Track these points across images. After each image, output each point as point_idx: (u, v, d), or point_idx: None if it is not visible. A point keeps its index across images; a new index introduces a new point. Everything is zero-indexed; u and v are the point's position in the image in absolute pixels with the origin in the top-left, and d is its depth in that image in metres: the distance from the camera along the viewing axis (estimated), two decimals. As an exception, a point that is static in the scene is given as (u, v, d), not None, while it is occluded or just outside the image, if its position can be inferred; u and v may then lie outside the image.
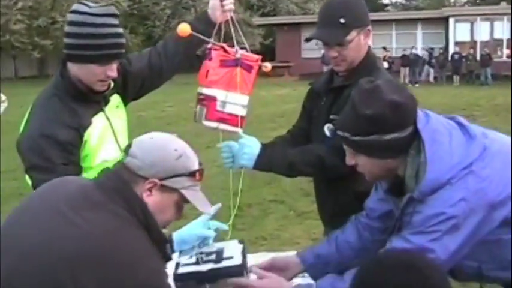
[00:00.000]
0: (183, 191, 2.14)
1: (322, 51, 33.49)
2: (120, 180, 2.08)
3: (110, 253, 1.94)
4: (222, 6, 3.22)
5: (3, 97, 6.98)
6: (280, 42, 39.19)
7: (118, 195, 2.05)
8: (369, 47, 3.10)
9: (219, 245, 2.65)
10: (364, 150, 2.33)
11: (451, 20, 34.79)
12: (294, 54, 36.41)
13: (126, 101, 3.24)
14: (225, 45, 3.18)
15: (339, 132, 2.39)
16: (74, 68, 2.89)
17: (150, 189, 2.09)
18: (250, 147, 2.98)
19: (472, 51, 32.40)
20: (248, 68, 3.18)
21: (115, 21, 2.86)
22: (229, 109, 3.13)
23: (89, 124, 2.94)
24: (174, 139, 2.18)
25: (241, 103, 3.15)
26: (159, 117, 17.70)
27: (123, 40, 2.92)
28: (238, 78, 3.13)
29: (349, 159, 2.44)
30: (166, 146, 2.12)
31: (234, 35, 3.22)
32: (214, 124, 3.13)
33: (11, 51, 38.42)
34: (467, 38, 35.12)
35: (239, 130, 3.12)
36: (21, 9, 36.77)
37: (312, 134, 3.24)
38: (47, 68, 39.27)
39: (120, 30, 2.89)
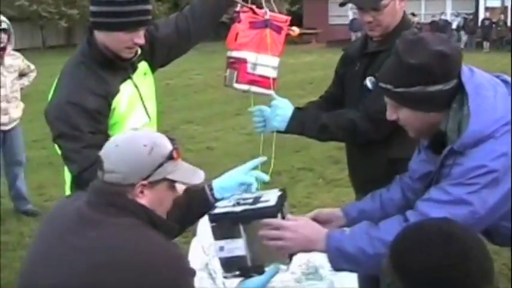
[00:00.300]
0: (169, 176, 2.15)
1: (350, 18, 33.13)
2: (110, 194, 2.09)
3: (126, 260, 1.98)
4: None
5: (32, 66, 7.00)
6: (307, 8, 38.81)
7: (114, 207, 2.08)
8: (404, 12, 3.07)
9: (259, 193, 2.64)
10: (407, 102, 2.28)
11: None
12: (321, 21, 36.08)
13: (153, 68, 3.23)
14: (253, 6, 3.17)
15: (381, 84, 2.34)
16: (100, 36, 2.89)
17: (141, 192, 2.10)
18: (283, 108, 2.97)
19: (502, 16, 31.84)
20: (277, 29, 3.17)
21: None
22: (260, 71, 3.11)
23: (117, 91, 2.94)
24: (136, 136, 2.17)
25: (272, 65, 3.14)
26: (187, 85, 17.66)
27: (149, 7, 2.91)
28: (269, 39, 3.11)
29: (391, 114, 2.39)
30: (134, 147, 2.10)
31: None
32: (245, 86, 3.13)
33: (38, 21, 38.43)
34: (497, 4, 34.50)
35: (271, 92, 3.11)
36: (47, -21, 36.78)
37: (345, 99, 3.22)
38: (74, 37, 39.27)
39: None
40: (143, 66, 3.12)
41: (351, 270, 2.53)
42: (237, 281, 2.49)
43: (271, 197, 2.53)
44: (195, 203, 2.59)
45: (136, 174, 2.08)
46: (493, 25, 31.22)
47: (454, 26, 32.76)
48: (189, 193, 2.55)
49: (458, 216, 2.11)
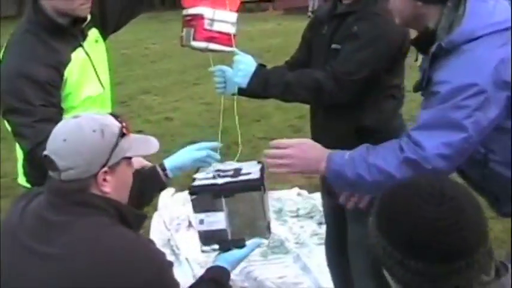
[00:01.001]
0: (127, 154, 2.09)
1: (308, -13, 33.06)
2: (72, 192, 1.98)
3: (104, 263, 1.91)
4: None
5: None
6: (264, -25, 38.56)
7: (79, 206, 1.98)
8: None
9: (237, 165, 2.67)
10: None
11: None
12: (278, -13, 35.86)
13: (105, 34, 3.14)
14: None
15: None
16: (51, 2, 2.75)
17: (104, 179, 2.01)
18: (246, 64, 2.91)
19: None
20: None
21: None
22: (218, 27, 3.02)
23: (68, 60, 2.83)
24: (82, 124, 2.03)
25: (231, 20, 3.05)
26: (143, 54, 17.39)
27: None
28: None
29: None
30: (84, 136, 1.99)
31: None
32: (203, 44, 3.03)
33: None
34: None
35: (232, 49, 3.02)
36: None
37: (312, 63, 3.15)
38: (27, 6, 38.59)
39: None
40: (94, 33, 3.02)
41: (349, 191, 2.57)
42: (213, 254, 2.50)
43: (252, 170, 2.57)
44: (148, 185, 2.58)
45: (96, 164, 1.99)
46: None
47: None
48: (140, 174, 2.51)
49: (453, 143, 2.15)
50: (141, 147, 2.18)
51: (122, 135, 2.07)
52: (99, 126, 2.01)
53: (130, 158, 2.14)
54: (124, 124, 2.11)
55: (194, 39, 3.01)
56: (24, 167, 2.95)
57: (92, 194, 2.02)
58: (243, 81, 2.90)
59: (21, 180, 3.04)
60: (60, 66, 2.82)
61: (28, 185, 2.93)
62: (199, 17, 2.99)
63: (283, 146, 2.53)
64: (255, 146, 7.89)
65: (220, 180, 2.51)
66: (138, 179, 2.44)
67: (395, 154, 2.29)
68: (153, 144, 2.25)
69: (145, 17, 26.71)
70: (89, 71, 2.96)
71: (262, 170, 2.59)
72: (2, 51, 2.82)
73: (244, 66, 2.92)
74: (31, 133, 2.70)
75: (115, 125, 2.08)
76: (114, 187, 2.05)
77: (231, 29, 3.07)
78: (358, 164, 2.37)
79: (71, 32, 2.88)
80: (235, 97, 3.06)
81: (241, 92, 3.01)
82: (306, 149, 2.53)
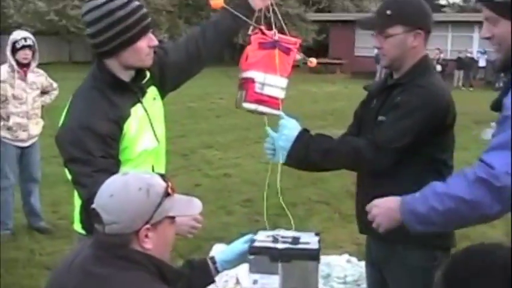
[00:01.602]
0: (170, 214, 2.11)
1: (376, 50, 33.66)
2: (115, 246, 2.04)
3: None
4: None
5: (55, 85, 7.02)
6: (333, 38, 38.97)
7: (121, 260, 2.03)
8: (427, 54, 3.03)
9: (295, 233, 2.71)
10: (508, 12, 2.30)
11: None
12: (347, 51, 36.16)
13: (163, 93, 3.22)
14: (262, 27, 3.16)
15: None
16: (119, 59, 2.87)
17: (146, 236, 2.05)
18: (289, 129, 2.92)
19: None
20: (286, 51, 3.15)
21: None
22: (267, 91, 3.08)
23: (128, 115, 2.92)
24: (129, 181, 2.08)
25: (280, 85, 3.11)
26: (209, 108, 17.69)
27: (146, 10, 2.93)
28: (277, 60, 3.08)
29: (485, 31, 2.42)
30: (130, 193, 2.04)
31: (273, 19, 3.19)
32: (252, 106, 3.08)
33: (66, 36, 39.00)
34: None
35: (279, 112, 3.06)
36: (78, -4, 37.30)
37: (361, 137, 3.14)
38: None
39: (138, 2, 2.89)
40: (152, 91, 3.11)
41: (426, 230, 2.51)
42: None
43: (311, 240, 2.63)
44: (197, 276, 2.60)
45: (139, 221, 2.03)
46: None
47: (480, 64, 32.60)
48: (191, 265, 2.59)
49: None
50: (184, 208, 2.21)
51: (167, 195, 2.10)
52: (145, 185, 2.06)
53: (173, 217, 2.17)
54: (169, 184, 2.15)
55: (245, 100, 3.08)
56: (80, 214, 3.00)
57: (134, 250, 2.06)
58: (286, 145, 2.91)
59: (77, 226, 3.10)
60: (120, 120, 2.91)
61: (83, 232, 2.99)
62: (251, 80, 3.06)
63: (369, 209, 2.63)
64: (310, 209, 7.90)
65: (280, 245, 2.56)
66: (188, 270, 2.52)
67: (463, 178, 2.32)
68: (196, 205, 2.27)
69: (215, 71, 27.25)
70: (146, 126, 3.04)
71: (319, 241, 2.64)
72: (68, 103, 2.93)
73: (288, 131, 2.94)
74: (90, 183, 2.75)
75: (160, 184, 2.11)
76: (156, 244, 2.08)
77: (280, 94, 3.12)
78: (429, 196, 2.40)
79: (131, 88, 2.99)
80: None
81: (288, 160, 2.99)
82: (383, 204, 2.61)
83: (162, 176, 2.16)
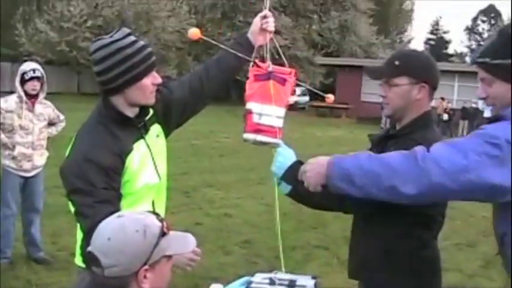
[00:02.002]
0: (167, 253, 2.14)
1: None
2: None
3: None
4: (263, 25, 3.33)
5: (62, 117, 7.07)
6: (340, 83, 39.14)
7: None
8: (430, 109, 3.07)
9: (292, 276, 2.71)
10: (502, 74, 2.42)
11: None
12: (353, 96, 36.28)
13: (168, 130, 3.29)
14: (256, 60, 3.26)
15: (479, 60, 2.49)
16: (124, 96, 2.95)
17: (144, 277, 2.08)
18: (285, 157, 2.99)
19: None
20: (281, 81, 3.20)
21: (134, 37, 2.96)
22: (265, 120, 3.12)
23: (130, 150, 2.98)
24: (125, 224, 2.11)
25: (277, 114, 3.15)
26: (213, 147, 17.73)
27: (151, 49, 3.02)
28: (272, 90, 3.14)
29: (482, 91, 2.53)
30: (127, 236, 2.06)
31: (266, 51, 3.29)
32: (252, 136, 3.12)
33: (76, 67, 39.34)
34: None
35: (278, 141, 3.11)
36: (90, 28, 37.74)
37: None
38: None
39: (143, 42, 2.99)
40: (156, 128, 3.17)
41: (343, 190, 2.56)
42: None
43: (307, 283, 2.65)
44: None
45: (137, 262, 2.06)
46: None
47: (485, 114, 32.66)
48: None
49: (453, 161, 2.30)
50: (180, 246, 2.22)
51: (163, 234, 2.13)
52: (142, 227, 2.09)
53: (170, 256, 2.19)
54: (164, 224, 2.17)
55: (245, 131, 3.13)
56: (81, 247, 3.03)
57: None
58: (279, 172, 2.97)
59: (78, 260, 3.12)
60: (122, 154, 2.97)
61: (83, 265, 3.00)
62: (249, 111, 3.13)
63: (303, 169, 2.70)
64: (308, 253, 7.85)
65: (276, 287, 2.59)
66: None
67: (404, 152, 2.44)
68: (190, 242, 2.29)
69: (221, 109, 27.33)
70: (148, 162, 3.10)
71: (316, 285, 2.65)
72: (74, 136, 2.99)
73: (283, 159, 3.00)
74: (91, 213, 2.81)
75: (156, 225, 2.14)
76: (153, 282, 2.11)
77: (277, 122, 3.16)
78: (361, 156, 2.52)
79: (135, 124, 3.05)
80: (296, 203, 3.08)
81: (289, 193, 3.07)
82: (316, 159, 2.68)
83: (156, 215, 2.19)
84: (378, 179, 2.41)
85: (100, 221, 2.67)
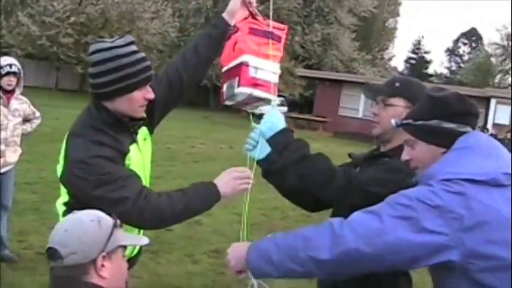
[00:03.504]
0: (122, 243, 2.27)
1: (361, 113, 33.64)
2: (71, 280, 2.16)
3: None
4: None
5: (38, 114, 7.00)
6: (319, 96, 39.23)
7: None
8: None
9: None
10: (424, 135, 2.49)
11: (493, 101, 34.58)
12: (331, 110, 36.38)
13: (152, 130, 3.26)
14: (252, 11, 3.18)
15: (403, 121, 2.56)
16: (113, 104, 2.90)
17: (102, 265, 2.19)
18: (277, 119, 2.95)
19: (509, 135, 32.04)
20: (278, 39, 3.15)
21: (135, 47, 2.93)
22: (261, 75, 3.06)
23: (128, 151, 2.96)
24: (80, 216, 2.26)
25: (273, 70, 3.09)
26: (189, 152, 17.64)
27: (149, 62, 2.97)
28: (271, 50, 3.08)
29: (406, 154, 2.58)
30: (84, 225, 2.20)
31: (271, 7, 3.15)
32: (248, 90, 3.05)
33: (56, 62, 39.13)
34: (506, 121, 34.80)
35: (274, 97, 3.06)
36: (72, 24, 37.55)
37: (336, 204, 3.14)
38: (88, 84, 39.91)
39: (143, 54, 2.95)
40: (143, 132, 3.13)
41: (265, 271, 2.53)
42: None
43: None
44: None
45: (95, 249, 2.17)
46: (499, 142, 31.30)
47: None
48: None
49: (365, 224, 2.33)
50: (134, 239, 2.50)
51: (116, 225, 2.25)
52: (96, 217, 2.23)
53: (125, 247, 2.31)
54: (117, 220, 2.28)
55: (239, 85, 3.04)
56: None
57: (90, 283, 2.17)
58: (268, 132, 2.92)
59: None
60: (122, 154, 2.94)
61: None
62: (245, 64, 3.03)
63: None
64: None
65: None
66: None
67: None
68: (139, 240, 2.48)
69: (200, 115, 27.13)
70: (139, 167, 3.06)
71: None
72: (65, 144, 2.93)
73: (275, 121, 2.94)
74: (127, 191, 2.79)
75: (109, 218, 2.27)
76: (111, 273, 2.20)
77: (273, 78, 3.09)
78: (277, 234, 2.55)
79: (128, 128, 3.01)
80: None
81: (262, 161, 3.14)
82: (238, 244, 2.70)
83: (108, 215, 2.31)
84: (294, 252, 2.40)
85: (140, 191, 2.81)
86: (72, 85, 41.48)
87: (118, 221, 2.27)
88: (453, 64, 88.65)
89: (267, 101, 3.09)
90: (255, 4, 3.24)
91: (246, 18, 3.17)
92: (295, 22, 45.67)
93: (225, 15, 3.29)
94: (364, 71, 46.92)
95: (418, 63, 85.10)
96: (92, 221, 2.20)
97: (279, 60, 3.14)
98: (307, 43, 47.36)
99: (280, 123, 2.94)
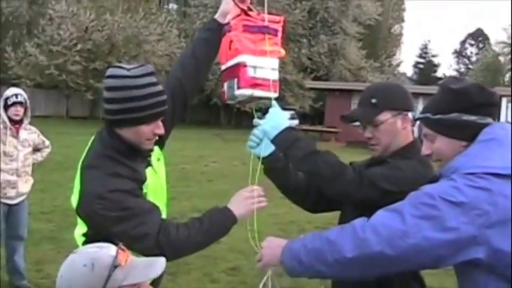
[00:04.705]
0: (124, 283, 2.09)
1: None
2: None
3: None
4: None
5: (47, 142, 7.00)
6: (330, 106, 39.15)
7: None
8: (415, 138, 3.01)
9: None
10: (443, 129, 2.43)
11: (504, 100, 34.41)
12: (342, 120, 36.21)
13: (163, 145, 3.22)
14: (245, 8, 3.08)
15: (420, 115, 2.50)
16: (122, 131, 2.82)
17: None
18: (280, 118, 2.91)
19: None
20: (274, 33, 3.06)
21: (154, 79, 2.81)
22: (260, 74, 2.97)
23: (145, 178, 2.89)
24: (74, 259, 2.10)
25: (271, 66, 3.01)
26: (202, 172, 17.62)
27: (165, 97, 2.85)
28: (267, 46, 2.99)
29: (426, 147, 2.52)
30: (75, 271, 2.05)
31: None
32: (248, 91, 2.96)
33: (65, 90, 39.34)
34: None
35: (274, 95, 2.99)
36: (79, 51, 37.76)
37: (344, 211, 3.18)
38: (98, 110, 40.11)
39: (161, 87, 2.83)
40: (156, 151, 3.06)
41: (297, 269, 2.52)
42: None
43: None
44: None
45: None
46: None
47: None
48: None
49: (388, 226, 2.27)
50: (141, 274, 2.15)
51: (116, 265, 2.07)
52: (89, 260, 2.06)
53: (135, 284, 2.12)
54: (119, 255, 2.11)
55: (239, 87, 2.97)
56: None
57: None
58: (272, 132, 2.88)
59: None
60: (140, 183, 2.86)
61: None
62: (242, 65, 2.95)
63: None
64: (296, 281, 7.57)
65: None
66: None
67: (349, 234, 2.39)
68: (157, 267, 2.21)
69: (211, 134, 27.18)
70: (158, 189, 3.01)
71: None
72: (80, 174, 2.84)
73: (279, 119, 2.90)
74: (148, 228, 2.72)
75: (107, 256, 2.09)
76: None
77: (273, 75, 3.02)
78: (308, 236, 2.51)
79: (142, 152, 2.92)
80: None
81: (266, 158, 3.12)
82: (275, 239, 2.68)
83: (115, 244, 2.16)
84: (321, 255, 2.39)
85: (159, 229, 2.73)
86: (83, 112, 41.68)
87: (120, 258, 2.10)
88: (461, 66, 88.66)
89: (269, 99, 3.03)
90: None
91: (239, 15, 3.08)
92: (301, 35, 45.74)
93: (217, 16, 3.25)
94: (373, 79, 46.76)
95: (426, 67, 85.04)
96: (85, 265, 2.04)
97: (278, 56, 3.06)
98: (314, 55, 47.39)
99: (284, 122, 2.90)
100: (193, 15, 44.98)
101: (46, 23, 38.66)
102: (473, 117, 2.37)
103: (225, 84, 3.09)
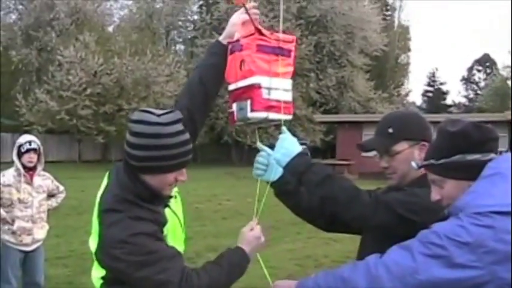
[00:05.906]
0: None
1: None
2: None
3: None
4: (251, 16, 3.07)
5: (61, 188, 7.02)
6: (341, 139, 39.17)
7: None
8: None
9: None
10: (450, 172, 2.42)
11: (516, 125, 34.30)
12: (354, 152, 35.98)
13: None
14: (260, 27, 2.98)
15: (425, 163, 2.48)
16: (144, 177, 2.76)
17: None
18: (291, 144, 2.87)
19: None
20: (288, 54, 3.01)
21: (182, 126, 2.73)
22: (274, 95, 2.92)
23: (166, 221, 2.85)
24: None
25: (284, 87, 2.97)
26: (216, 210, 17.60)
27: (191, 146, 2.80)
28: (280, 68, 2.94)
29: (435, 194, 2.49)
30: None
31: (280, 18, 3.11)
32: (263, 114, 2.91)
33: (76, 135, 39.53)
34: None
35: (287, 117, 2.95)
36: (89, 96, 37.95)
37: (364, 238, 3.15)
38: (110, 153, 40.29)
39: (188, 135, 2.75)
40: (174, 189, 3.01)
41: None
42: None
43: None
44: None
45: None
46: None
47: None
48: None
49: (400, 264, 2.26)
50: None
51: None
52: None
53: None
54: None
55: (252, 110, 2.91)
56: None
57: None
58: (283, 159, 2.85)
59: None
60: (161, 226, 2.81)
61: None
62: (256, 86, 2.89)
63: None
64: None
65: None
66: None
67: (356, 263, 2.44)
68: None
69: (223, 172, 27.14)
70: (177, 230, 3.01)
71: None
72: (99, 219, 2.77)
73: (289, 145, 2.86)
74: (171, 274, 2.66)
75: None
76: None
77: (286, 96, 2.98)
78: (320, 274, 2.50)
79: (164, 198, 2.87)
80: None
81: (276, 182, 3.09)
82: (286, 281, 2.73)
83: None
84: None
85: (182, 276, 2.67)
86: (95, 155, 41.79)
87: None
88: (470, 92, 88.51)
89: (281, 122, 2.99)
90: (257, 16, 3.11)
91: (251, 34, 2.99)
92: (308, 69, 45.96)
93: (222, 39, 3.18)
94: (382, 110, 46.79)
95: (435, 95, 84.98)
96: None
97: (291, 76, 3.02)
98: (322, 88, 47.58)
99: (295, 148, 2.87)
100: (201, 55, 45.27)
101: (55, 69, 38.95)
102: (477, 155, 2.38)
103: (234, 105, 3.03)
